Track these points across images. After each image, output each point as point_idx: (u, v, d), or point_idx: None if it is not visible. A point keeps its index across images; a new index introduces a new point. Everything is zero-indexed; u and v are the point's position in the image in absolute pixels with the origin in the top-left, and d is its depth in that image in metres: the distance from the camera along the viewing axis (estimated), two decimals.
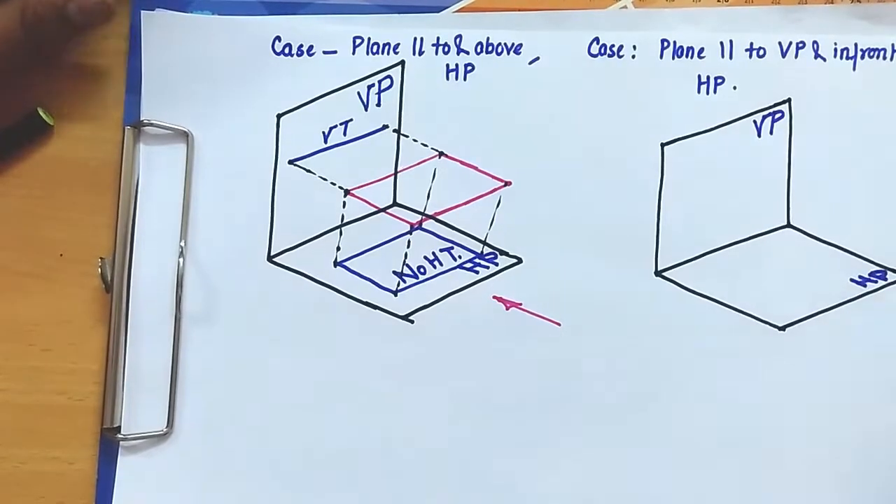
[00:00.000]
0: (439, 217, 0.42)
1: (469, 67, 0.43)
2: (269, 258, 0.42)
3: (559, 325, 0.42)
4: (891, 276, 0.42)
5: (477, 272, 0.42)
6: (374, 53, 0.43)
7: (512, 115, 0.43)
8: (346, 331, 0.42)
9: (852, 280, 0.42)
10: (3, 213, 0.43)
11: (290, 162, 0.43)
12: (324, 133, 0.43)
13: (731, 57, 0.42)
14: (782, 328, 0.42)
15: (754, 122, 0.42)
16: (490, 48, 0.43)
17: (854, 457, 0.41)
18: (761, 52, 0.42)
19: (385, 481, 0.41)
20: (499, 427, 0.41)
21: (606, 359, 0.42)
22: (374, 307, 0.42)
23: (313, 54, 0.43)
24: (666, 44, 0.42)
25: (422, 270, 0.42)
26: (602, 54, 0.43)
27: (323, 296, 0.42)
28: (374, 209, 0.43)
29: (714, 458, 0.41)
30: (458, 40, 0.43)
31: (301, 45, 0.43)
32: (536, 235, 0.42)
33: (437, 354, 0.42)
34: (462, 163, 0.43)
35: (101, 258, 0.42)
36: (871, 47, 0.42)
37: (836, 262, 0.42)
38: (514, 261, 0.42)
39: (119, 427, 0.41)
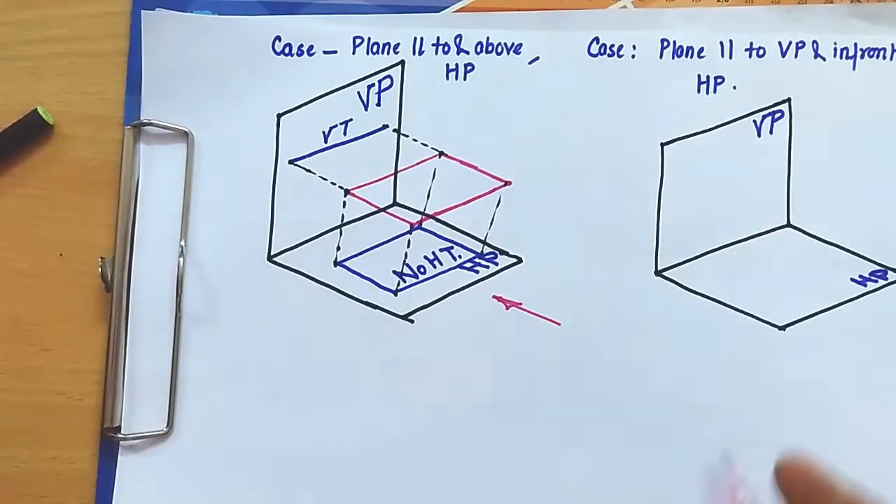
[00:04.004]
0: (439, 217, 0.42)
1: (469, 67, 0.43)
2: (269, 258, 0.42)
3: (559, 324, 0.42)
4: (891, 276, 0.42)
5: (477, 272, 0.42)
6: (374, 53, 0.43)
7: (512, 115, 0.43)
8: (346, 331, 0.42)
9: (853, 279, 0.42)
10: (3, 213, 0.43)
11: (291, 162, 0.43)
12: (324, 133, 0.43)
13: (730, 57, 0.42)
14: (782, 328, 0.42)
15: (754, 121, 0.42)
16: (490, 48, 0.43)
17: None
18: (761, 52, 0.42)
19: (385, 481, 0.41)
20: (498, 426, 0.41)
21: (606, 358, 0.42)
22: (374, 307, 0.42)
23: (313, 54, 0.43)
24: (666, 43, 0.42)
25: (422, 270, 0.42)
26: (602, 54, 0.43)
27: (323, 296, 0.42)
28: (374, 209, 0.43)
29: (714, 458, 0.41)
30: (458, 40, 0.43)
31: (301, 45, 0.43)
32: (536, 235, 0.42)
33: (437, 354, 0.42)
34: (462, 163, 0.43)
35: (101, 258, 0.42)
36: (871, 47, 0.42)
37: (837, 262, 0.42)
38: (514, 260, 0.42)
39: (119, 427, 0.41)
